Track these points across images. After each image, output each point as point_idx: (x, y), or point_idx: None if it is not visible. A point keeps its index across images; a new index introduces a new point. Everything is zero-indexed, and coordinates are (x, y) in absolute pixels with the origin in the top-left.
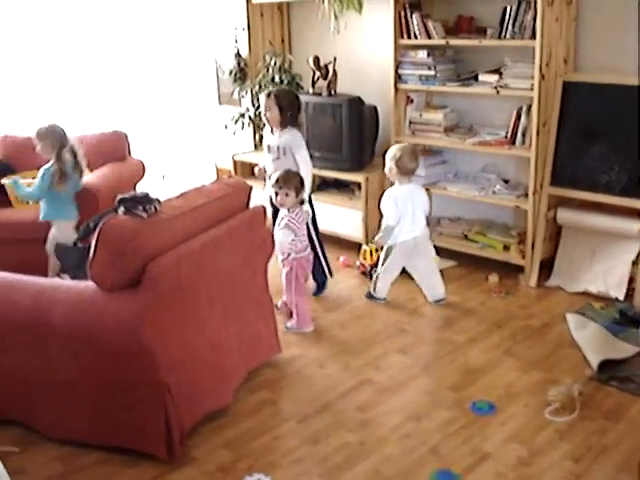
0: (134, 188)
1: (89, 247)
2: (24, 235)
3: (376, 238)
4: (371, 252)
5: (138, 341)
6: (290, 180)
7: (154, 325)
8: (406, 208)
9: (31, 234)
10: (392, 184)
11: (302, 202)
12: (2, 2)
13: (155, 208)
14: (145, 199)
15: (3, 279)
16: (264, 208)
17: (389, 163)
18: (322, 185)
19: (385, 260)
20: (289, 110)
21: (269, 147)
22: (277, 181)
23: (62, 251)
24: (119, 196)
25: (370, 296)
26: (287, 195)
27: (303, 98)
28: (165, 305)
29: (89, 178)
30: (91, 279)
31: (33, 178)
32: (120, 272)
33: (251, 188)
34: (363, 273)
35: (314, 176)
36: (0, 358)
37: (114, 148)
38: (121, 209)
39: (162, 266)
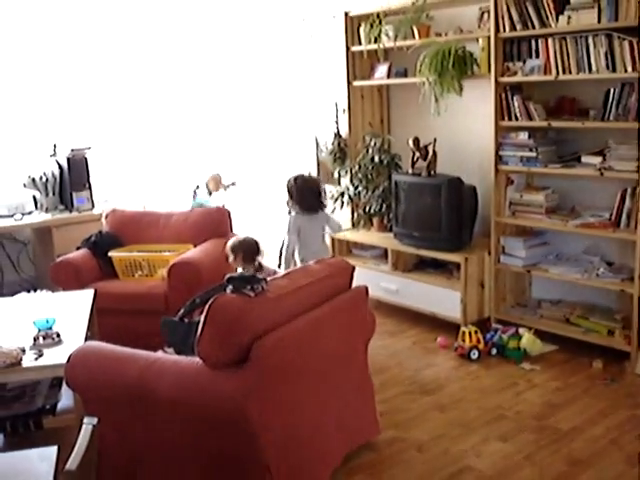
0: None
1: (194, 322)
2: (132, 306)
3: None
4: (470, 334)
5: (242, 419)
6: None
7: (258, 403)
8: None
9: (139, 305)
10: None
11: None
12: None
13: (262, 287)
14: (253, 278)
15: (112, 351)
16: (366, 288)
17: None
18: (420, 264)
19: None
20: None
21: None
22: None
23: (168, 325)
24: (228, 275)
25: None
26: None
27: (402, 178)
28: (269, 384)
29: (192, 253)
30: (198, 355)
31: (138, 252)
32: (227, 350)
33: (353, 268)
34: (462, 355)
35: (412, 255)
36: (106, 431)
37: (217, 224)
38: (229, 287)
39: (268, 345)
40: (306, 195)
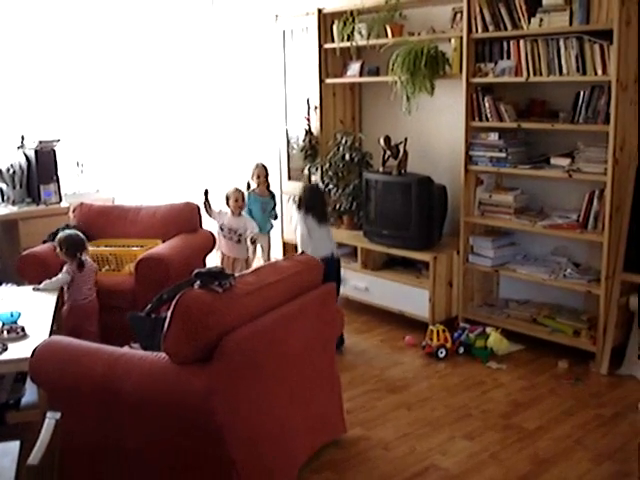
0: (204, 260)
1: (161, 318)
2: (99, 301)
3: None
4: (438, 332)
5: (208, 415)
6: None
7: (224, 400)
8: None
9: (106, 300)
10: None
11: None
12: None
13: (230, 283)
14: (221, 274)
15: (77, 346)
16: (335, 285)
17: None
18: (389, 262)
19: None
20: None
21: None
22: None
23: (135, 321)
24: (195, 270)
25: None
26: None
27: (372, 176)
28: (236, 380)
29: (161, 248)
30: (165, 351)
31: (106, 246)
32: (194, 346)
33: (322, 266)
34: (429, 354)
35: (382, 253)
36: (70, 426)
37: (186, 219)
38: (197, 283)
39: (235, 341)
40: (322, 206)
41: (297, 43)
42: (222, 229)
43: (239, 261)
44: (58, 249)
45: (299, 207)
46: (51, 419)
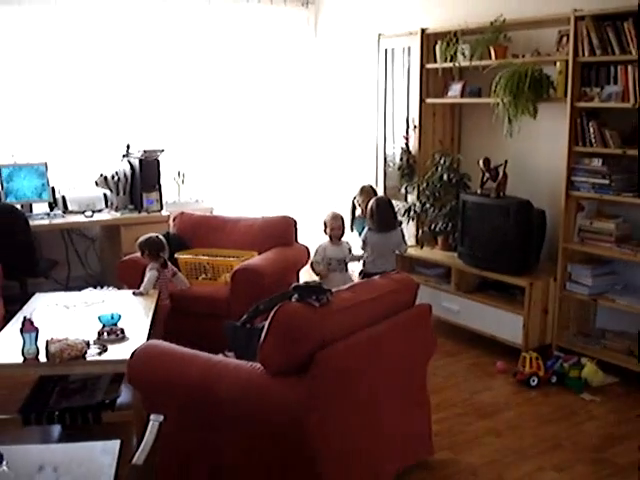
0: (297, 273)
1: (257, 329)
2: (195, 308)
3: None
4: (531, 360)
5: (299, 428)
6: None
7: (316, 414)
8: None
9: (202, 308)
10: None
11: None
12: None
13: (327, 298)
14: (318, 289)
15: (174, 351)
16: (429, 307)
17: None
18: (482, 286)
19: None
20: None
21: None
22: None
23: (230, 330)
24: (294, 284)
25: None
26: None
27: (470, 198)
28: (329, 395)
29: (257, 260)
30: (260, 361)
31: (203, 255)
32: (289, 358)
33: (418, 285)
34: (521, 381)
35: (476, 276)
36: (165, 429)
37: (282, 232)
38: (295, 296)
39: (331, 356)
40: (383, 214)
41: (397, 62)
42: (330, 263)
43: None
44: (139, 253)
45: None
46: (155, 421)
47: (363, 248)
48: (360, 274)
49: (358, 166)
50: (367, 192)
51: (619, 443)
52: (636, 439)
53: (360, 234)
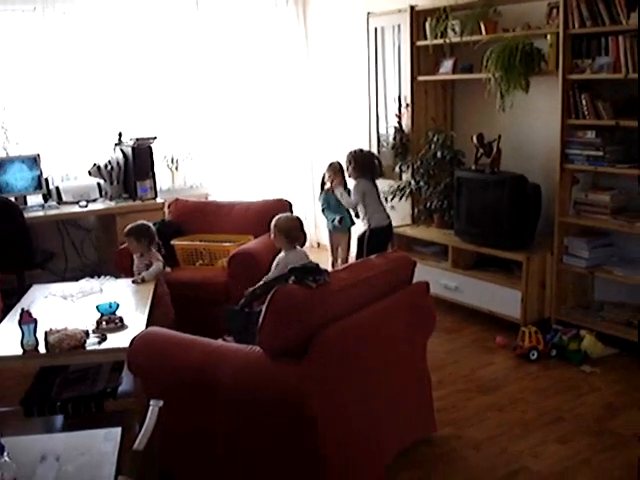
0: None
1: (254, 312)
2: (193, 294)
3: None
4: (530, 334)
5: (301, 408)
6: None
7: (317, 394)
8: None
9: (200, 293)
10: None
11: None
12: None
13: (324, 279)
14: (315, 270)
15: (173, 337)
16: (427, 284)
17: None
18: (480, 262)
19: None
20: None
21: None
22: None
23: (229, 314)
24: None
25: None
26: None
27: (464, 175)
28: (329, 375)
29: (253, 244)
30: (259, 344)
31: (200, 241)
32: (288, 340)
33: (414, 263)
34: (520, 355)
35: (473, 252)
36: (164, 414)
37: (277, 215)
38: (292, 278)
39: (329, 337)
40: (369, 164)
41: (388, 40)
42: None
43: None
44: (136, 242)
45: (352, 173)
46: (155, 406)
47: (362, 202)
48: (367, 237)
49: (352, 147)
50: (334, 168)
51: (621, 414)
52: (638, 409)
53: (323, 211)
